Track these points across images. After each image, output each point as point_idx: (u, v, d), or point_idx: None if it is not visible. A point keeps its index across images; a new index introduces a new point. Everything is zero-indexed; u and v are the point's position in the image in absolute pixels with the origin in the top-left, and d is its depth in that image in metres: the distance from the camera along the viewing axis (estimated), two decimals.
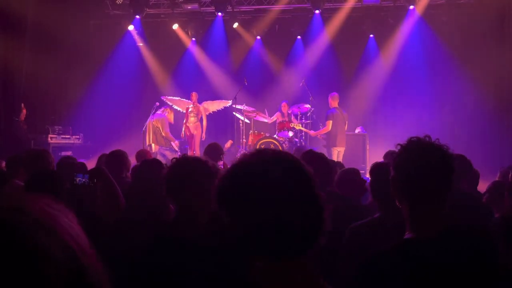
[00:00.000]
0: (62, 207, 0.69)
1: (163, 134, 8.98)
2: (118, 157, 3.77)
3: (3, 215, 0.61)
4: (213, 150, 4.58)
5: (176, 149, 9.09)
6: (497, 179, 4.48)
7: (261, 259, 0.98)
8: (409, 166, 1.49)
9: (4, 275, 0.56)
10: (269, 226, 0.94)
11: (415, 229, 1.47)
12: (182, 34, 10.89)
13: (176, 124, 9.70)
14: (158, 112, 9.26)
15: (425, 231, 1.45)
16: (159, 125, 9.03)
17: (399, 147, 1.54)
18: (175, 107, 10.25)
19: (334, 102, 8.29)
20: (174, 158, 2.02)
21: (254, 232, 0.96)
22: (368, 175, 2.72)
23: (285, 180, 0.97)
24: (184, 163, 1.93)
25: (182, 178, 1.87)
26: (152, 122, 9.14)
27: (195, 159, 1.95)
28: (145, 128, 8.97)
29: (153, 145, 9.12)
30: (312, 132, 8.64)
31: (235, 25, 10.60)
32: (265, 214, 0.95)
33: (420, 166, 1.47)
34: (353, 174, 3.28)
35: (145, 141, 9.17)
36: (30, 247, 0.59)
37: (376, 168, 2.37)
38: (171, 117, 9.36)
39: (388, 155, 3.69)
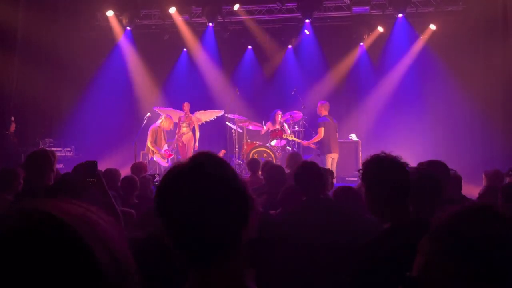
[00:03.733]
0: (101, 212, 0.67)
1: (148, 144, 8.89)
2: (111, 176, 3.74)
3: (61, 220, 0.59)
4: None
5: (160, 160, 8.90)
6: (483, 182, 4.51)
7: (192, 266, 1.01)
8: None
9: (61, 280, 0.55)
10: (190, 234, 0.98)
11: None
12: (173, 45, 10.91)
13: (173, 131, 9.54)
14: (158, 120, 9.14)
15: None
16: (148, 135, 8.93)
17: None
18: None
19: (324, 110, 8.29)
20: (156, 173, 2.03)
21: (179, 240, 1.00)
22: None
23: (208, 194, 0.99)
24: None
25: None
26: None
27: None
28: (137, 140, 8.88)
29: (148, 154, 9.05)
30: (305, 142, 8.60)
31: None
32: (187, 223, 0.98)
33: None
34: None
35: (142, 154, 9.13)
36: (86, 254, 0.58)
37: None
38: (166, 124, 9.10)
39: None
